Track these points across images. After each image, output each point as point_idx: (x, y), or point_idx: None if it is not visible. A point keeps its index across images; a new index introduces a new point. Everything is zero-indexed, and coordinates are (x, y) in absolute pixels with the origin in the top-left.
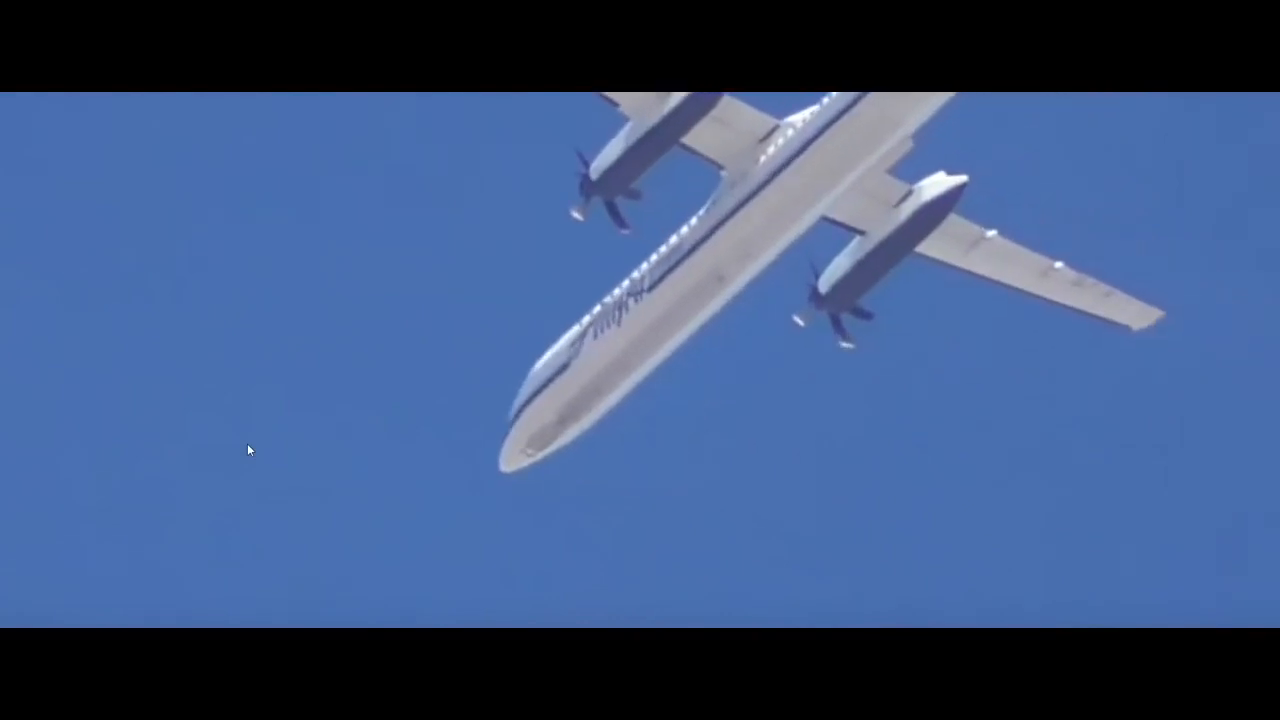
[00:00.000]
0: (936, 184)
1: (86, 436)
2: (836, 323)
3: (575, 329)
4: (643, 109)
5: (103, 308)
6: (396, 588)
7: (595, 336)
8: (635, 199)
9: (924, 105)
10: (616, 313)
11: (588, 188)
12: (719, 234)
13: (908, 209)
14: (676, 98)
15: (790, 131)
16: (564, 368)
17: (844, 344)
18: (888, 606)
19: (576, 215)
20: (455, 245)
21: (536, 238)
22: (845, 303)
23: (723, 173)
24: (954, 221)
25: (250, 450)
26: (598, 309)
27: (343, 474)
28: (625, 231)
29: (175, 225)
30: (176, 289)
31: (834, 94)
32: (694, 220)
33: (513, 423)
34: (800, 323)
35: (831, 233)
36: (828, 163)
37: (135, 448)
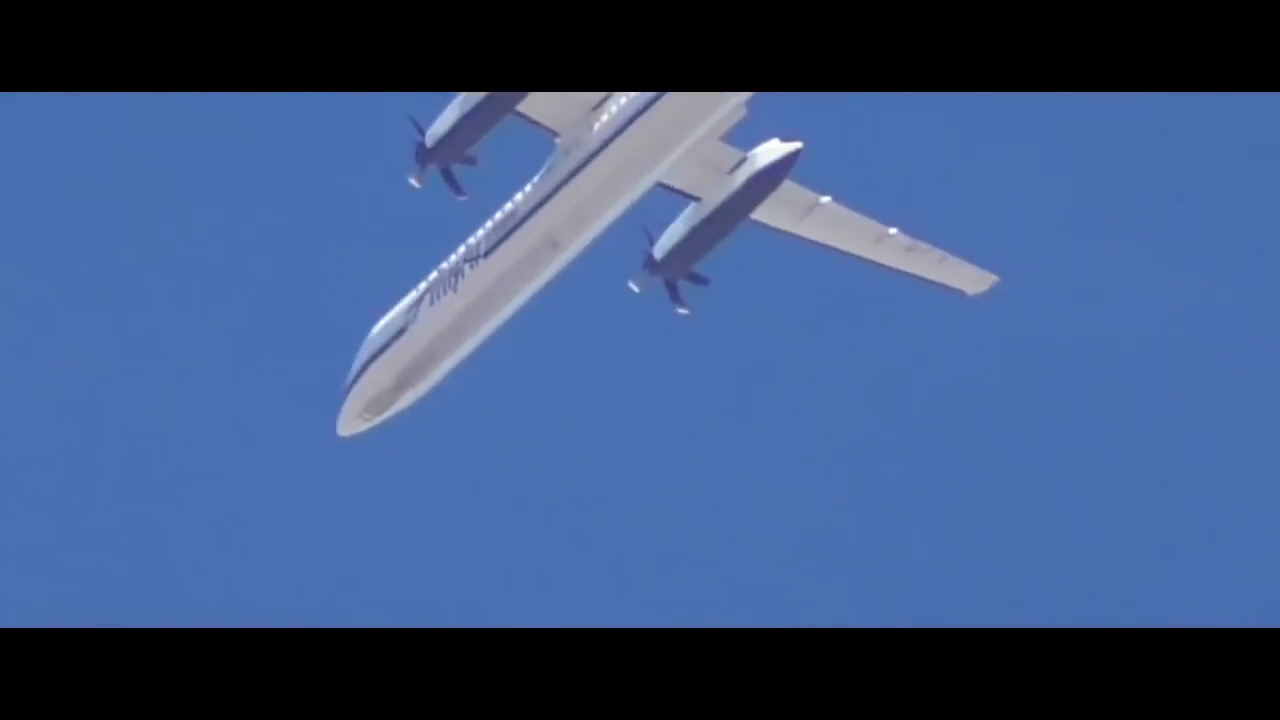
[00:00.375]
0: (770, 150)
1: (86, 436)
2: (672, 289)
3: (412, 295)
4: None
5: (102, 308)
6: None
7: (432, 302)
8: (471, 165)
9: None
10: (453, 278)
11: (423, 155)
12: (553, 200)
13: (742, 175)
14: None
15: (624, 99)
16: (401, 333)
17: (680, 310)
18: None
19: (413, 183)
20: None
21: (374, 206)
22: (681, 269)
23: (557, 140)
24: (788, 188)
25: None
26: (434, 275)
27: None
28: (461, 198)
29: (174, 225)
30: (176, 289)
31: None
32: (529, 187)
33: (350, 387)
34: (636, 289)
35: (668, 199)
36: (661, 130)
37: (135, 447)
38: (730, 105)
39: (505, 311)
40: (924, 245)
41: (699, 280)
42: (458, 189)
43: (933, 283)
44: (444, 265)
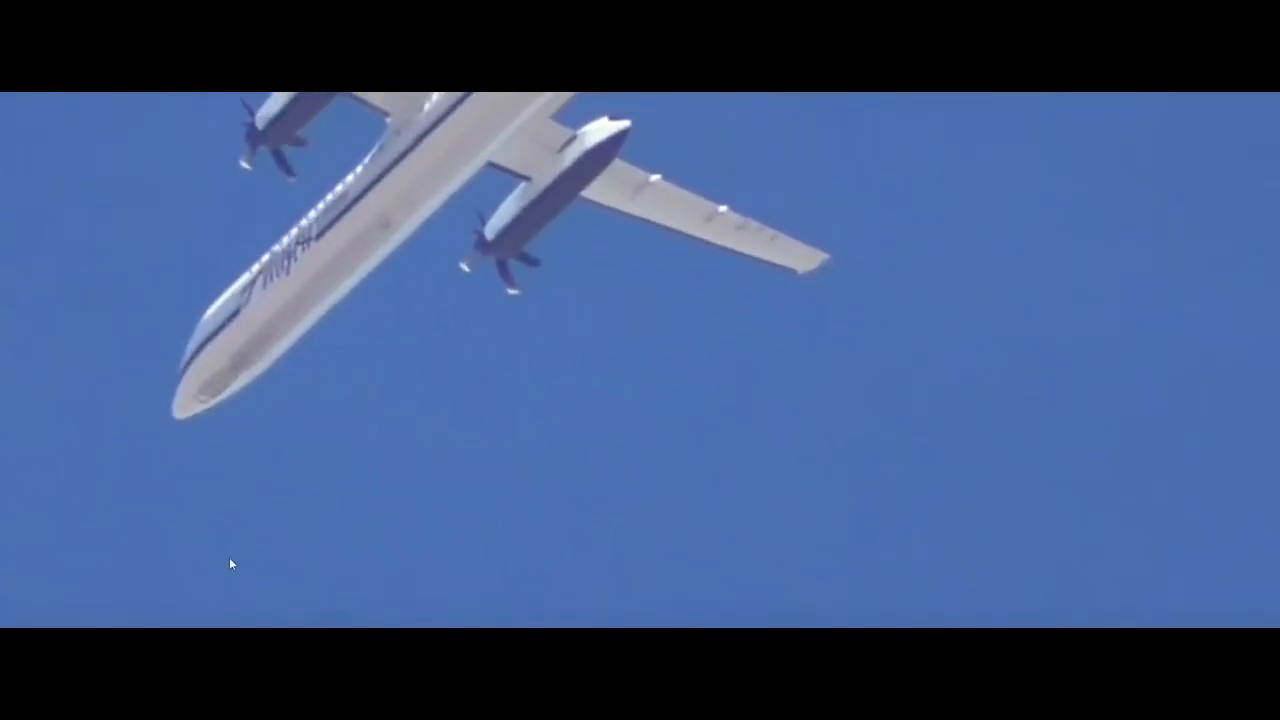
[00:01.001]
0: (600, 129)
1: (85, 436)
2: (503, 269)
3: (245, 277)
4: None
5: (102, 307)
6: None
7: (265, 284)
8: (303, 147)
9: None
10: (285, 260)
11: (254, 137)
12: (385, 181)
13: (571, 154)
14: (571, 156)
15: None
16: (235, 315)
17: (510, 290)
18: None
19: (244, 165)
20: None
21: (204, 188)
22: (512, 249)
23: (388, 120)
24: (618, 166)
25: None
26: (267, 257)
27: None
28: (292, 180)
29: (174, 224)
30: (175, 288)
31: None
32: (360, 168)
33: (184, 370)
34: (466, 268)
35: (499, 179)
36: (490, 109)
37: (134, 446)
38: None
39: (339, 292)
40: (754, 223)
41: (530, 261)
42: (288, 170)
43: (764, 261)
44: (276, 247)
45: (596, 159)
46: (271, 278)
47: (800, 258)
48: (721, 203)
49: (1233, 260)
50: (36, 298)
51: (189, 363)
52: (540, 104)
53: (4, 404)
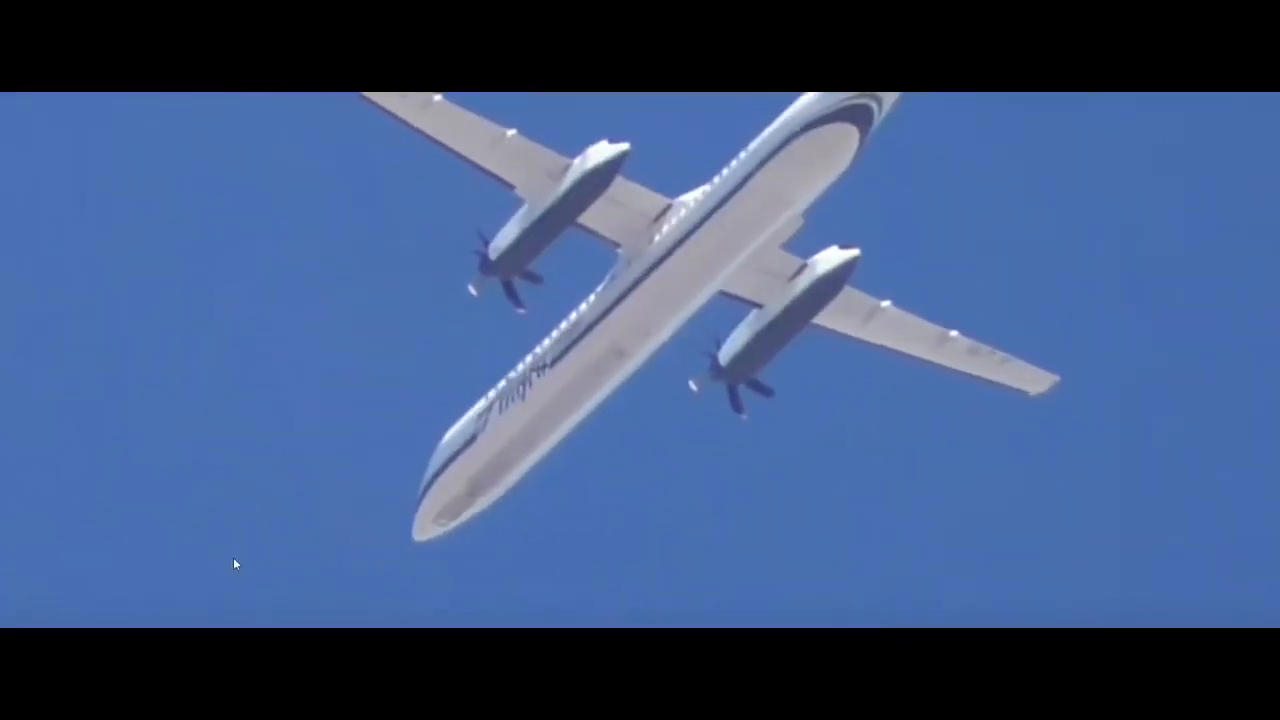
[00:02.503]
0: (830, 258)
1: (83, 435)
2: (733, 394)
3: (481, 403)
4: (537, 190)
5: (102, 306)
6: None
7: (501, 410)
8: (536, 283)
9: (813, 183)
10: (521, 388)
11: (486, 267)
12: (618, 310)
13: (802, 283)
14: (570, 179)
15: (683, 210)
16: (471, 440)
17: (740, 415)
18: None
19: (472, 291)
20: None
21: (437, 316)
22: (744, 374)
23: (619, 250)
24: (849, 294)
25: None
26: (502, 384)
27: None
28: (521, 311)
29: (174, 224)
30: (175, 287)
31: (724, 172)
32: (593, 297)
33: (423, 494)
34: (695, 389)
35: (730, 306)
36: (721, 240)
37: (132, 446)
38: (788, 215)
39: (573, 419)
40: (985, 347)
41: (763, 390)
42: (518, 302)
43: (995, 383)
44: (512, 375)
45: (827, 286)
46: (507, 404)
47: (1031, 380)
48: (952, 327)
49: (1233, 260)
50: (282, 414)
51: (428, 487)
52: (770, 233)
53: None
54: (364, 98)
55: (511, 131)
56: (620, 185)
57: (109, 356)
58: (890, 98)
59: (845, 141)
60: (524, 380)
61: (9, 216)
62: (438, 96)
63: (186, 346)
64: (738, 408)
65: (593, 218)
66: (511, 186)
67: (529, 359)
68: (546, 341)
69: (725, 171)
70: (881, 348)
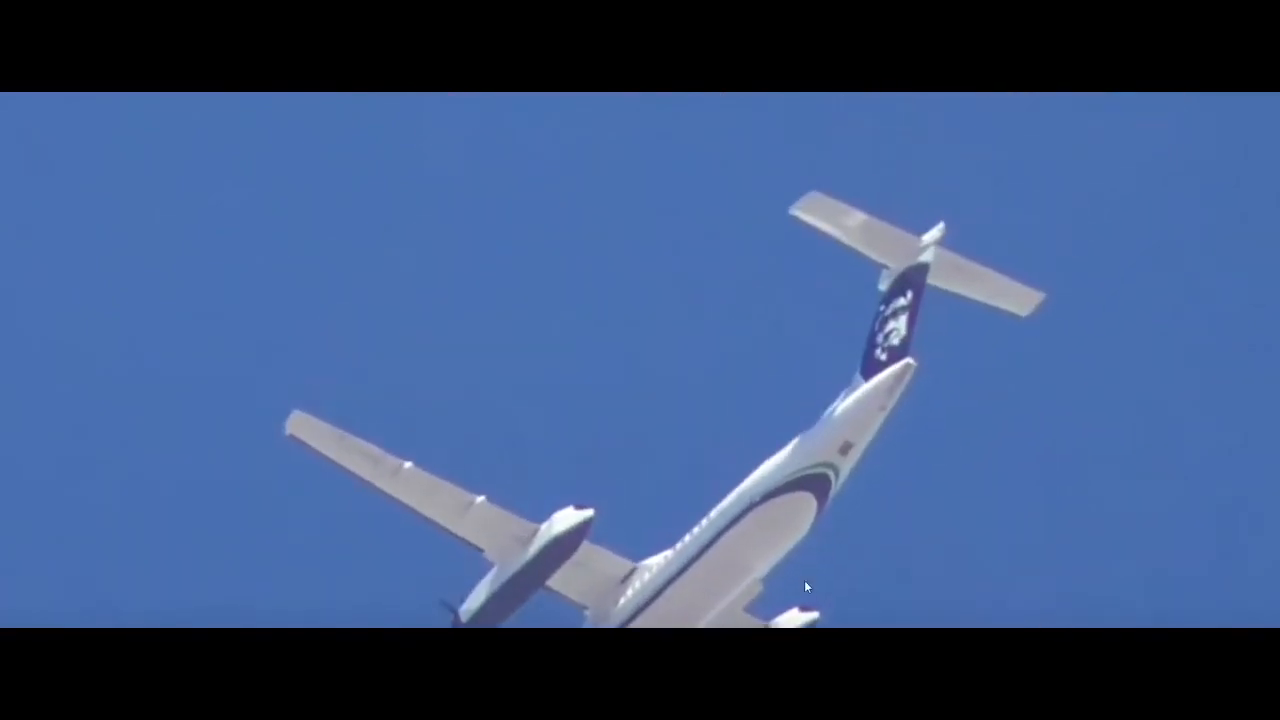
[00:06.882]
0: (790, 619)
1: (83, 435)
2: None
3: None
4: (506, 554)
5: (102, 306)
6: None
7: None
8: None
9: (772, 550)
10: None
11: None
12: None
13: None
14: (537, 544)
15: (647, 575)
16: None
17: None
18: None
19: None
20: None
21: None
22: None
23: (586, 612)
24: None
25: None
26: None
27: None
28: None
29: (174, 224)
30: (174, 287)
31: (686, 538)
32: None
33: None
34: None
35: None
36: (684, 603)
37: (133, 446)
38: (747, 582)
39: None
40: None
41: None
42: None
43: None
44: None
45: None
46: None
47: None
48: None
49: (1233, 260)
50: None
51: None
52: (730, 598)
53: None
54: (333, 461)
55: (480, 498)
56: (587, 550)
57: (110, 355)
58: (847, 464)
59: (803, 510)
60: None
61: (9, 216)
62: (408, 464)
63: (186, 346)
64: None
65: (559, 581)
66: (480, 550)
67: None
68: None
69: (688, 538)
70: None
